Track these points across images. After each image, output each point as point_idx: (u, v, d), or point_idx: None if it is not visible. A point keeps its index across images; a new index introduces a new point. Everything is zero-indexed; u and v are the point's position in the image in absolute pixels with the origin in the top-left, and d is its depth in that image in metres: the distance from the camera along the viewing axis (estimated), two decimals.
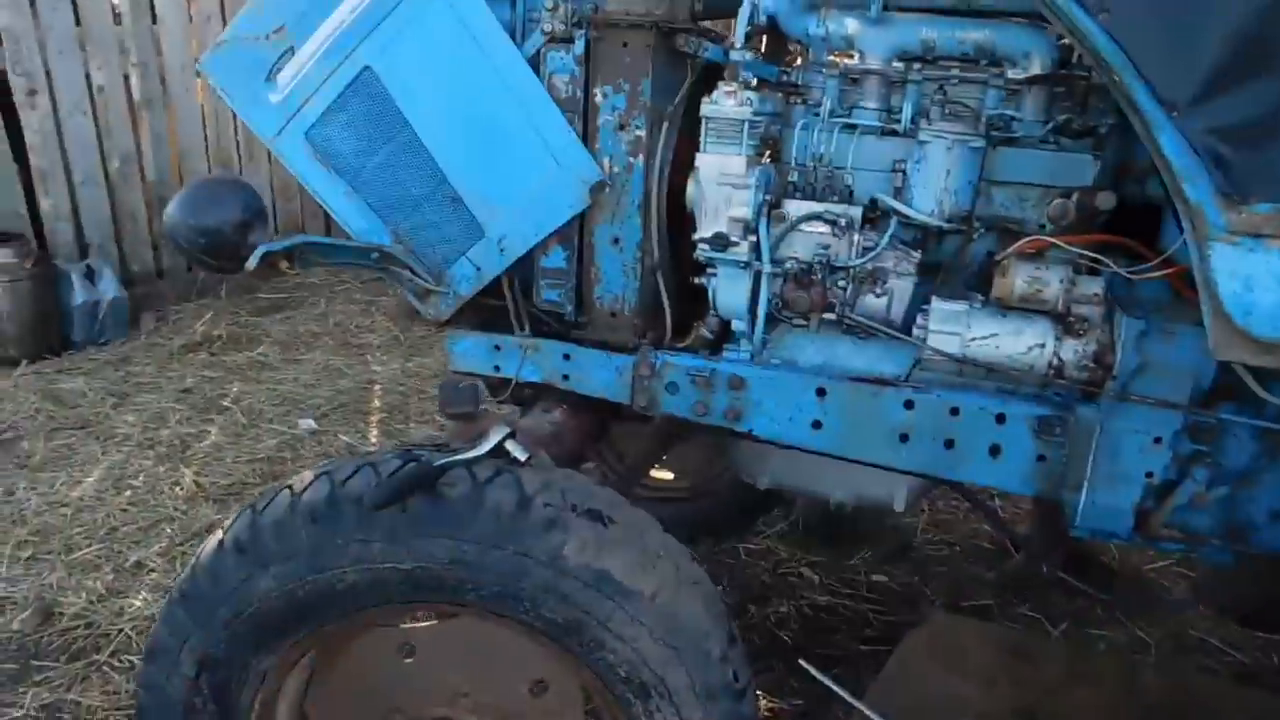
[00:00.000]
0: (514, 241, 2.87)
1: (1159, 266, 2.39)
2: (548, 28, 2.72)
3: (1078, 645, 3.91)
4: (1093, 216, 2.57)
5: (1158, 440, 2.53)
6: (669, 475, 4.51)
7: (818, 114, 2.74)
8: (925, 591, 4.23)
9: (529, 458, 2.37)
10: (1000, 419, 2.60)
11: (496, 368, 3.05)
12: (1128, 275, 2.44)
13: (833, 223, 2.67)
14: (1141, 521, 2.62)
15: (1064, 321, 2.54)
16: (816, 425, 2.76)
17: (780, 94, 2.79)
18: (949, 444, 2.66)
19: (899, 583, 4.30)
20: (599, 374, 2.94)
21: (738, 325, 2.85)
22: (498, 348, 3.03)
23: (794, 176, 2.78)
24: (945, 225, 2.61)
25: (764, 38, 2.84)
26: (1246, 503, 2.60)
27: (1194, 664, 3.86)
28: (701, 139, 2.67)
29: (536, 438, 2.86)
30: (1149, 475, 2.56)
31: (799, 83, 2.78)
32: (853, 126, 2.71)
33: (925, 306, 2.64)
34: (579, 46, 2.70)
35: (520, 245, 2.88)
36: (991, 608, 4.12)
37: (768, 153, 2.80)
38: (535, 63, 2.77)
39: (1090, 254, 2.48)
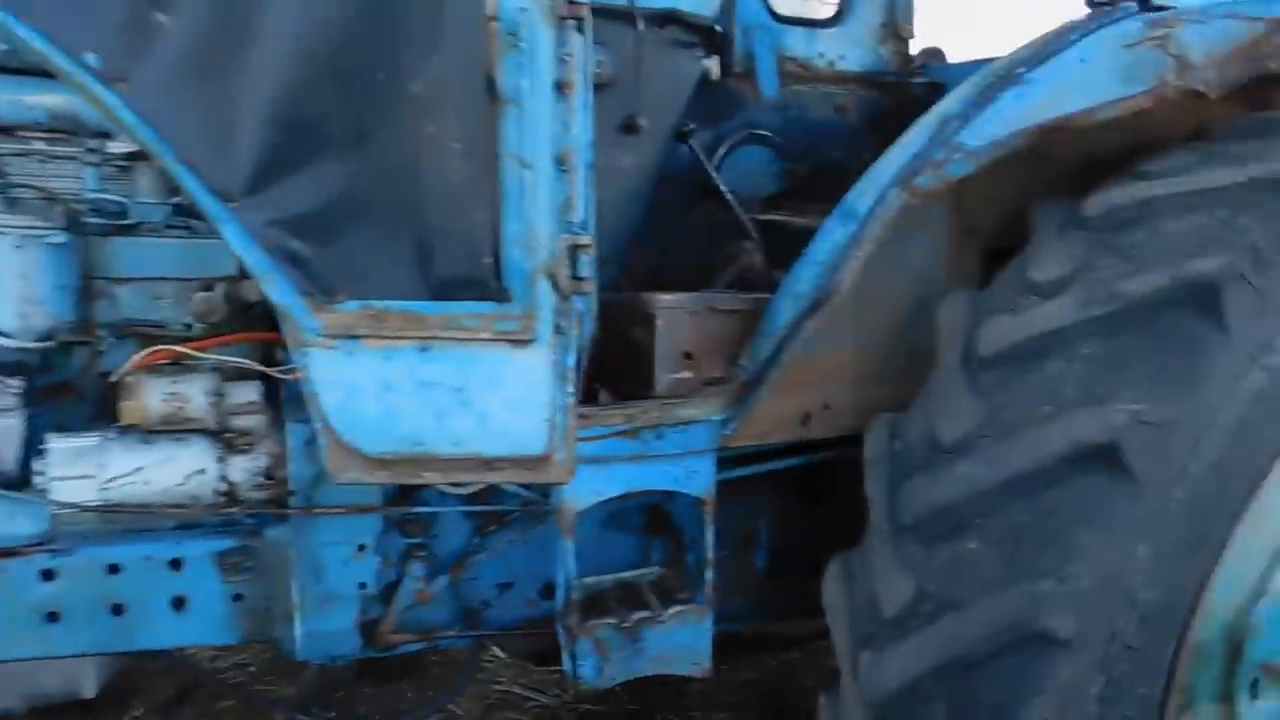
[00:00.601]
0: None
1: None
2: None
3: None
4: (248, 308, 2.20)
5: (361, 548, 2.31)
6: None
7: None
8: None
9: None
10: (177, 565, 2.16)
11: None
12: (276, 376, 2.11)
13: None
14: (370, 634, 2.38)
15: (224, 438, 2.13)
16: None
17: None
18: (117, 610, 2.13)
19: None
20: None
21: None
22: None
23: None
24: (36, 344, 2.02)
25: None
26: (472, 583, 2.49)
27: None
28: None
29: None
30: (362, 586, 2.33)
31: None
32: None
33: (43, 447, 2.04)
34: None
35: None
36: None
37: None
38: None
39: (228, 359, 2.09)
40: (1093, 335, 1.84)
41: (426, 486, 2.25)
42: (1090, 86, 2.04)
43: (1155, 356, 1.79)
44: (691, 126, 2.73)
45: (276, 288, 1.66)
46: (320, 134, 1.63)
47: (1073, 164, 2.30)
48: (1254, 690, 1.97)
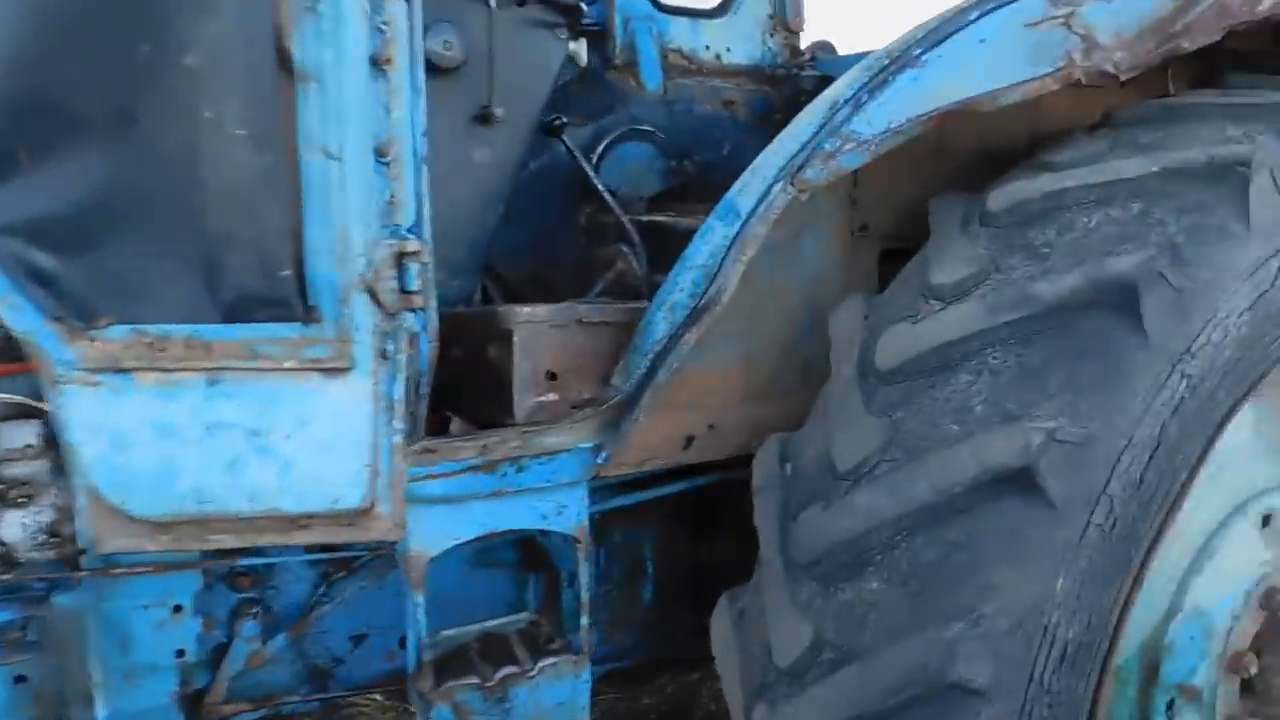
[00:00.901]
0: None
1: None
2: None
3: None
4: None
5: (177, 609, 2.00)
6: None
7: None
8: None
9: None
10: None
11: None
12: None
13: None
14: (194, 708, 2.09)
15: None
16: None
17: None
18: None
19: None
20: None
21: None
22: None
23: None
24: None
25: None
26: (319, 638, 2.21)
27: None
28: None
29: None
30: (180, 654, 2.02)
31: None
32: None
33: None
34: None
35: None
36: None
37: None
38: None
39: None
40: (1002, 344, 1.65)
41: None
42: (992, 68, 1.85)
43: (1071, 366, 1.60)
44: (562, 120, 2.49)
45: (16, 312, 1.33)
46: (67, 120, 1.31)
47: (968, 156, 2.15)
48: (1170, 712, 1.84)
